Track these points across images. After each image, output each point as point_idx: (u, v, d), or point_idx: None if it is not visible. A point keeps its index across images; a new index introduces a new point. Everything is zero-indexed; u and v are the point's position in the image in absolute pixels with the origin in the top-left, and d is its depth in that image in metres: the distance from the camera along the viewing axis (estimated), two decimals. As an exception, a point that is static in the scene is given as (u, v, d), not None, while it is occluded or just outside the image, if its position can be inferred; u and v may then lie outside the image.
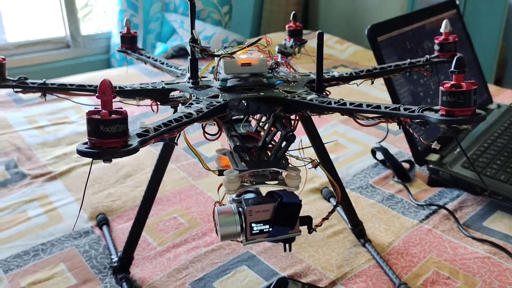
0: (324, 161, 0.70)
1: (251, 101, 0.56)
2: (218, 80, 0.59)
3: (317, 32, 0.56)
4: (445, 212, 0.87)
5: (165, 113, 1.00)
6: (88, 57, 2.19)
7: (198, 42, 0.59)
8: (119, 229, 0.85)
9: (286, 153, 0.53)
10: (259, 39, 0.61)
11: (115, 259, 0.74)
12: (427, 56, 0.70)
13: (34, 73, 1.96)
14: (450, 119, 0.42)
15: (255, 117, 0.60)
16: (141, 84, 0.64)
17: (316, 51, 0.57)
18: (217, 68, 0.61)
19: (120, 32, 0.78)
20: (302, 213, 0.52)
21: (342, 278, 0.72)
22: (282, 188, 0.53)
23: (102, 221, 0.86)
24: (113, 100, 0.40)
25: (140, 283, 0.72)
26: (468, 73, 1.18)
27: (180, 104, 0.61)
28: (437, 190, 0.95)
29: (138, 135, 0.41)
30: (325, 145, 0.70)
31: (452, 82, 0.42)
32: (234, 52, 0.59)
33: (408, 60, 0.70)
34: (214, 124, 0.54)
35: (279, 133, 0.52)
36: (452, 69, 0.42)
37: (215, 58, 0.59)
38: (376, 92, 1.45)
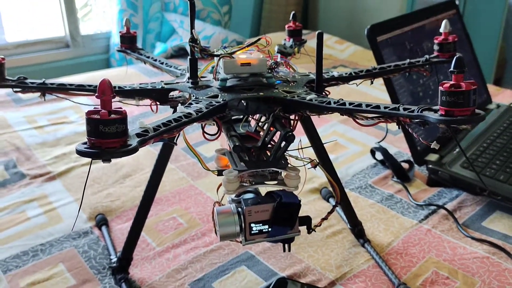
0: (324, 161, 0.70)
1: (251, 101, 0.56)
2: (218, 80, 0.59)
3: (316, 32, 0.56)
4: (444, 212, 0.87)
5: (165, 113, 1.00)
6: (87, 57, 2.19)
7: (198, 42, 0.59)
8: (118, 230, 0.85)
9: (285, 153, 0.53)
10: (259, 39, 0.61)
11: (114, 259, 0.74)
12: (427, 56, 0.70)
13: (34, 73, 1.96)
14: (450, 119, 0.42)
15: (254, 117, 0.60)
16: (140, 84, 0.64)
17: (316, 51, 0.57)
18: (216, 68, 0.61)
19: (120, 32, 0.78)
20: (301, 213, 0.52)
21: (341, 278, 0.72)
22: (281, 188, 0.53)
23: (101, 221, 0.86)
24: (113, 100, 0.40)
25: (139, 284, 0.72)
26: (467, 73, 1.18)
27: (179, 104, 0.61)
28: (436, 190, 0.95)
29: (138, 135, 0.41)
30: (324, 145, 0.70)
31: (452, 82, 0.42)
32: (234, 52, 0.59)
33: (408, 60, 0.70)
34: (214, 124, 0.54)
35: (278, 133, 0.52)
36: (451, 69, 0.42)
37: (215, 58, 0.59)
38: (375, 92, 1.45)
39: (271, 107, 0.56)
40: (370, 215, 0.87)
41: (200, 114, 0.48)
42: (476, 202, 0.90)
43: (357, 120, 0.51)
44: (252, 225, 0.51)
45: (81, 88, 0.62)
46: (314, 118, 0.65)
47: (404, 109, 0.46)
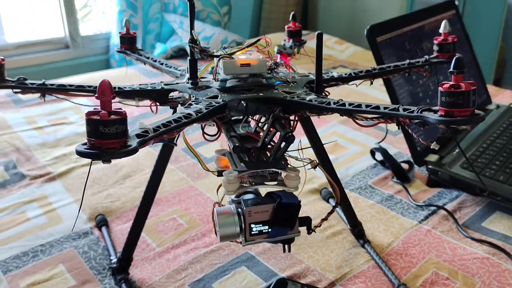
0: (323, 161, 0.70)
1: (250, 101, 0.56)
2: (218, 81, 0.59)
3: (316, 33, 0.56)
4: (444, 212, 0.87)
5: (164, 114, 0.99)
6: (87, 57, 2.19)
7: (198, 42, 0.59)
8: (118, 230, 0.85)
9: (285, 154, 0.53)
10: (259, 40, 0.61)
11: (114, 260, 0.74)
12: (426, 57, 0.70)
13: (33, 74, 1.96)
14: (449, 120, 0.42)
15: (254, 117, 0.60)
16: (140, 84, 0.63)
17: (316, 52, 0.57)
18: (216, 69, 0.61)
19: (120, 33, 0.78)
20: (301, 213, 0.52)
21: (341, 279, 0.72)
22: (281, 189, 0.53)
23: (101, 222, 0.86)
24: (112, 100, 0.40)
25: (139, 284, 0.72)
26: (467, 73, 1.18)
27: (179, 105, 0.61)
28: (436, 191, 0.95)
29: (137, 135, 0.41)
30: (324, 145, 0.70)
31: (451, 83, 0.42)
32: (234, 53, 0.59)
33: (407, 61, 0.70)
34: (213, 125, 0.54)
35: (278, 133, 0.52)
36: (451, 69, 0.42)
37: (214, 58, 0.59)
38: (375, 93, 1.45)
39: (271, 108, 0.56)
40: (370, 216, 0.87)
41: (200, 114, 0.48)
42: (476, 203, 0.90)
43: (356, 120, 0.51)
44: (252, 225, 0.51)
45: (81, 89, 0.62)
46: (314, 119, 0.65)
47: (404, 109, 0.46)
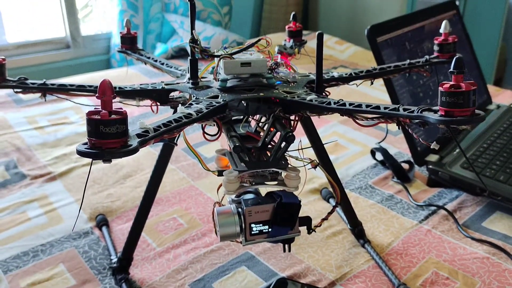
0: (324, 161, 0.70)
1: (251, 101, 0.56)
2: (218, 81, 0.59)
3: (316, 33, 0.56)
4: (445, 212, 0.87)
5: (165, 114, 1.00)
6: (88, 57, 2.20)
7: (198, 42, 0.59)
8: (119, 230, 0.85)
9: (285, 154, 0.53)
10: (259, 40, 0.61)
11: (115, 259, 0.74)
12: (427, 57, 0.70)
13: (34, 74, 1.97)
14: (449, 120, 0.42)
15: (254, 117, 0.60)
16: (141, 84, 0.64)
17: (316, 52, 0.57)
18: (217, 69, 0.61)
19: (120, 33, 0.78)
20: (302, 213, 0.52)
21: (342, 278, 0.72)
22: (281, 189, 0.53)
23: (102, 222, 0.86)
24: (113, 100, 0.40)
25: (140, 284, 0.72)
26: (467, 73, 1.18)
27: (179, 105, 0.61)
28: (437, 191, 0.95)
29: (138, 135, 0.41)
30: (324, 145, 0.70)
31: (451, 83, 0.42)
32: (234, 53, 0.59)
33: (408, 61, 0.70)
34: (214, 125, 0.54)
35: (278, 133, 0.52)
36: (451, 69, 0.42)
37: (215, 58, 0.59)
38: (375, 93, 1.45)
39: (271, 108, 0.56)
40: (370, 216, 0.87)
41: (200, 114, 0.49)
42: (476, 203, 0.90)
43: (357, 120, 0.51)
44: (252, 225, 0.51)
45: (81, 89, 0.62)
46: (314, 119, 0.65)
47: (404, 109, 0.46)
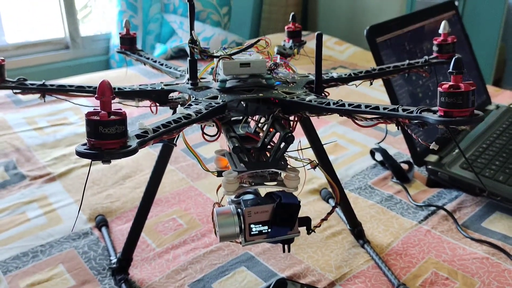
0: (323, 162, 0.70)
1: (250, 102, 0.56)
2: (217, 81, 0.59)
3: (316, 33, 0.56)
4: (444, 213, 0.87)
5: (164, 114, 1.00)
6: (87, 58, 2.20)
7: (197, 43, 0.59)
8: (118, 230, 0.85)
9: (285, 154, 0.53)
10: (258, 40, 0.61)
11: (114, 260, 0.74)
12: (426, 57, 0.70)
13: (33, 74, 1.96)
14: (448, 120, 0.42)
15: (254, 118, 0.60)
16: (140, 85, 0.64)
17: (315, 52, 0.57)
18: (216, 69, 0.61)
19: (120, 33, 0.78)
20: (301, 214, 0.52)
21: (341, 279, 0.72)
22: (281, 189, 0.53)
23: (101, 222, 0.86)
24: (112, 101, 0.40)
25: (139, 284, 0.72)
26: (467, 74, 1.18)
27: (179, 105, 0.61)
28: (436, 191, 0.95)
29: (137, 136, 0.41)
30: (324, 146, 0.70)
31: (450, 83, 0.42)
32: (233, 53, 0.59)
33: (407, 61, 0.70)
34: (213, 125, 0.54)
35: (278, 134, 0.52)
36: (450, 70, 0.42)
37: (214, 59, 0.60)
38: (375, 93, 1.45)
39: (271, 108, 0.56)
40: (369, 216, 0.87)
41: (199, 115, 0.49)
42: (475, 203, 0.90)
43: (356, 121, 0.51)
44: (252, 226, 0.51)
45: (80, 90, 0.62)
46: (314, 119, 0.65)
47: (403, 110, 0.46)
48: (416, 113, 0.44)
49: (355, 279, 0.72)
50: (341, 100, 0.52)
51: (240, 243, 0.52)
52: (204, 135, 0.55)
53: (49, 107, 1.38)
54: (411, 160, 1.01)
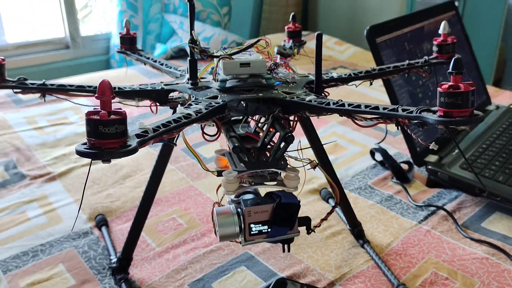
0: (323, 162, 0.70)
1: (250, 102, 0.56)
2: (217, 81, 0.59)
3: (316, 33, 0.56)
4: (444, 213, 0.87)
5: (164, 114, 1.00)
6: (87, 58, 2.20)
7: (198, 43, 0.59)
8: (118, 230, 0.85)
9: (285, 154, 0.53)
10: (258, 40, 0.61)
11: (114, 259, 0.74)
12: (426, 57, 0.70)
13: (34, 74, 1.96)
14: (448, 120, 0.42)
15: (254, 118, 0.60)
16: (140, 85, 0.64)
17: (315, 52, 0.57)
18: (216, 69, 0.61)
19: (120, 33, 0.78)
20: (301, 214, 0.52)
21: (341, 278, 0.72)
22: (280, 189, 0.53)
23: (101, 222, 0.86)
24: (112, 101, 0.40)
25: (139, 284, 0.72)
26: (466, 74, 1.18)
27: (179, 105, 0.61)
28: (436, 191, 0.95)
29: (137, 135, 0.41)
30: (324, 146, 0.70)
31: (450, 83, 0.42)
32: (234, 53, 0.59)
33: (407, 61, 0.70)
34: (213, 125, 0.54)
35: (278, 134, 0.52)
36: (450, 70, 0.42)
37: (214, 59, 0.60)
38: (375, 93, 1.46)
39: (271, 108, 0.56)
40: (369, 216, 0.88)
41: (199, 115, 0.49)
42: (475, 203, 0.90)
43: (356, 121, 0.51)
44: (252, 225, 0.51)
45: (81, 89, 0.62)
46: (314, 119, 0.65)
47: (403, 110, 0.46)
48: (416, 113, 0.44)
49: (355, 279, 0.72)
50: (341, 100, 0.52)
51: (240, 242, 0.52)
52: (204, 134, 0.55)
53: (49, 106, 1.38)
54: (411, 160, 1.01)
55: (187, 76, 0.63)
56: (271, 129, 0.55)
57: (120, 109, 0.40)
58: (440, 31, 0.70)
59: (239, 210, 0.51)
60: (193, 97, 0.57)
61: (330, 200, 0.92)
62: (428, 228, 0.84)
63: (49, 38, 2.13)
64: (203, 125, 0.55)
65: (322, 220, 0.60)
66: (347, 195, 0.80)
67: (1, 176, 1.03)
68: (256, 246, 0.79)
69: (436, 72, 0.75)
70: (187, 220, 0.87)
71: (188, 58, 0.61)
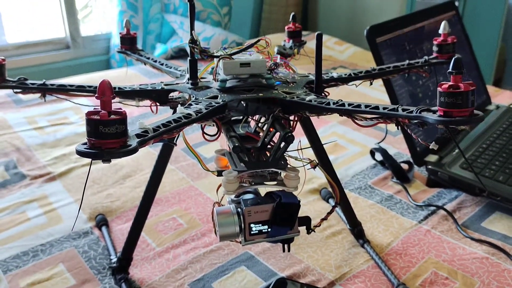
0: (323, 161, 0.70)
1: (250, 101, 0.56)
2: (217, 81, 0.59)
3: (316, 33, 0.56)
4: (444, 212, 0.88)
5: (164, 114, 1.00)
6: (87, 58, 2.20)
7: (198, 43, 0.59)
8: (118, 230, 0.85)
9: (285, 154, 0.53)
10: (259, 40, 0.61)
11: (114, 259, 0.74)
12: (426, 57, 0.70)
13: (34, 74, 1.96)
14: (448, 120, 0.42)
15: (254, 117, 0.60)
16: (140, 85, 0.64)
17: (315, 52, 0.57)
18: (216, 69, 0.61)
19: (120, 33, 0.78)
20: (301, 213, 0.52)
21: (341, 278, 0.72)
22: (281, 189, 0.53)
23: (101, 222, 0.86)
24: (113, 100, 0.40)
25: (139, 284, 0.72)
26: (467, 74, 1.18)
27: (179, 105, 0.61)
28: (436, 191, 0.95)
29: (137, 135, 0.41)
30: (324, 146, 0.70)
31: (450, 83, 0.42)
32: (234, 53, 0.59)
33: (407, 61, 0.70)
34: (213, 125, 0.54)
35: (278, 133, 0.53)
36: (450, 70, 0.42)
37: (215, 59, 0.60)
38: (375, 93, 1.46)
39: (271, 108, 0.56)
40: (369, 216, 0.88)
41: (199, 115, 0.49)
42: (475, 203, 0.90)
43: (356, 121, 0.51)
44: (252, 225, 0.51)
45: (81, 89, 0.62)
46: (314, 119, 0.65)
47: (403, 109, 0.46)
48: (416, 113, 0.44)
49: (355, 278, 0.72)
50: (341, 100, 0.52)
51: (240, 242, 0.52)
52: (204, 134, 0.55)
53: (50, 106, 1.39)
54: (411, 160, 1.01)
55: (187, 76, 0.63)
56: (271, 129, 0.55)
57: (120, 109, 0.40)
58: (440, 31, 0.70)
59: (239, 210, 0.51)
60: (193, 97, 0.57)
61: (330, 200, 0.92)
62: (428, 228, 0.84)
63: (50, 38, 2.13)
64: (203, 125, 0.55)
65: (322, 219, 0.60)
66: (347, 195, 0.80)
67: (1, 176, 1.03)
68: (256, 246, 0.79)
69: (436, 72, 0.75)
70: (187, 220, 0.87)
71: (188, 58, 0.62)
